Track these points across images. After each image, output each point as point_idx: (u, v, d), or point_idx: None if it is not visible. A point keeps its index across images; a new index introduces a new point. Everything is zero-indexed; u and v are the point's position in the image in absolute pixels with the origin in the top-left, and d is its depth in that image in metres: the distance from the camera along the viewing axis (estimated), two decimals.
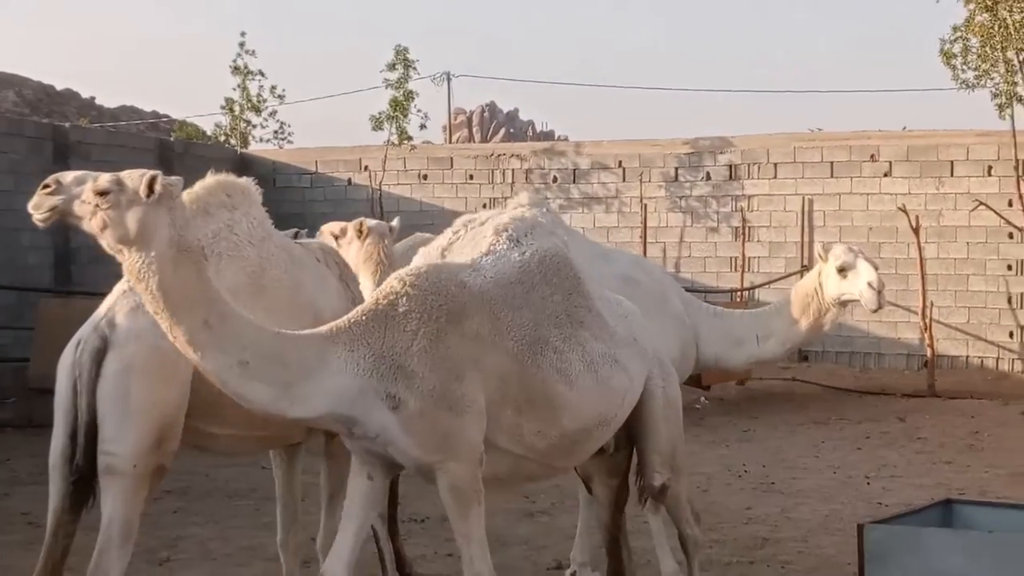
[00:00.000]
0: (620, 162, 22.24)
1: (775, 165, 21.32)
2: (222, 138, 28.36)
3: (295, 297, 6.64)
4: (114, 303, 6.10)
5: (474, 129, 69.38)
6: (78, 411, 5.88)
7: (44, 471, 12.18)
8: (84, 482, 5.90)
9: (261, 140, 26.71)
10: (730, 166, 21.57)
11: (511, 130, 68.18)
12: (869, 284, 8.49)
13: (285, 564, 7.25)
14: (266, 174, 23.74)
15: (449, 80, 45.72)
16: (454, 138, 50.44)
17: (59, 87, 40.80)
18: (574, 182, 22.53)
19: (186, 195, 6.55)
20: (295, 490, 7.25)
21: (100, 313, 6.08)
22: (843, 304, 8.62)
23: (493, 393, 5.60)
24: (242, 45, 25.35)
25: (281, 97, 26.11)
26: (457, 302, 5.68)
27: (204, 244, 6.36)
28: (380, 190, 22.33)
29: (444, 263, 6.26)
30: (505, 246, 6.36)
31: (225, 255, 6.41)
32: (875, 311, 8.86)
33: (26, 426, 14.69)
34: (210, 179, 6.69)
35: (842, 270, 8.38)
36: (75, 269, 18.08)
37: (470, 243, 8.02)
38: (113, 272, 5.62)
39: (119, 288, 6.20)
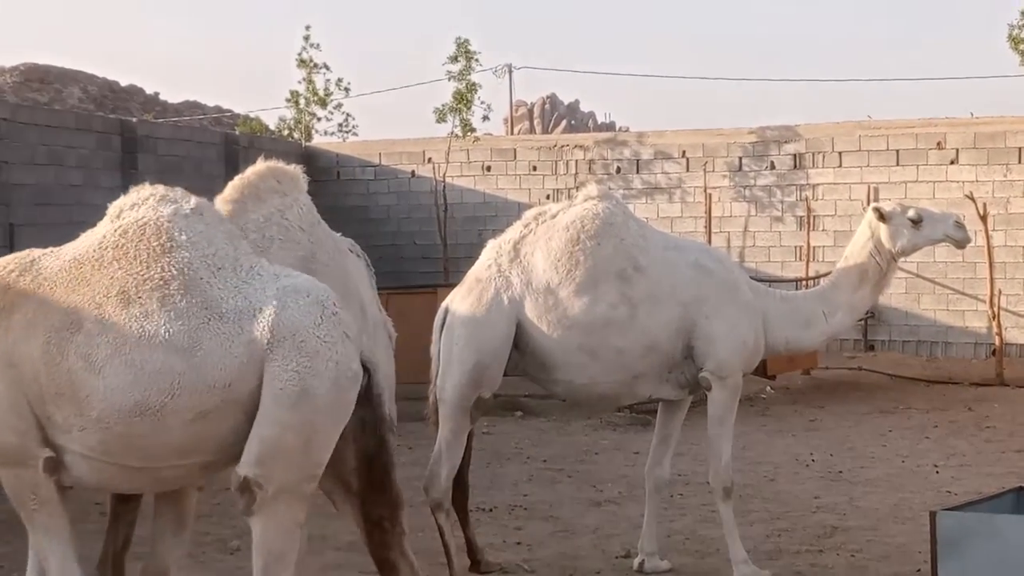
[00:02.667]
0: (683, 152, 22.17)
1: (840, 154, 21.18)
2: (285, 132, 28.46)
3: (344, 284, 6.65)
4: None
5: (535, 121, 69.32)
6: None
7: None
8: None
9: (326, 133, 26.81)
10: (795, 155, 21.45)
11: (572, 122, 68.08)
12: (956, 222, 8.44)
13: None
14: (330, 167, 23.88)
15: (511, 72, 45.85)
16: (515, 130, 50.47)
17: (123, 83, 41.13)
18: (637, 172, 22.48)
19: (237, 180, 6.63)
20: None
21: None
22: (910, 253, 8.56)
23: (29, 388, 5.29)
24: (307, 39, 25.48)
25: (347, 90, 26.21)
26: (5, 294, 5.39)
27: (256, 228, 6.43)
28: (444, 182, 22.37)
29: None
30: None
31: (277, 239, 6.43)
32: (965, 247, 8.79)
33: None
34: (260, 165, 6.74)
35: (917, 221, 8.31)
36: None
37: (543, 236, 8.04)
38: None
39: None
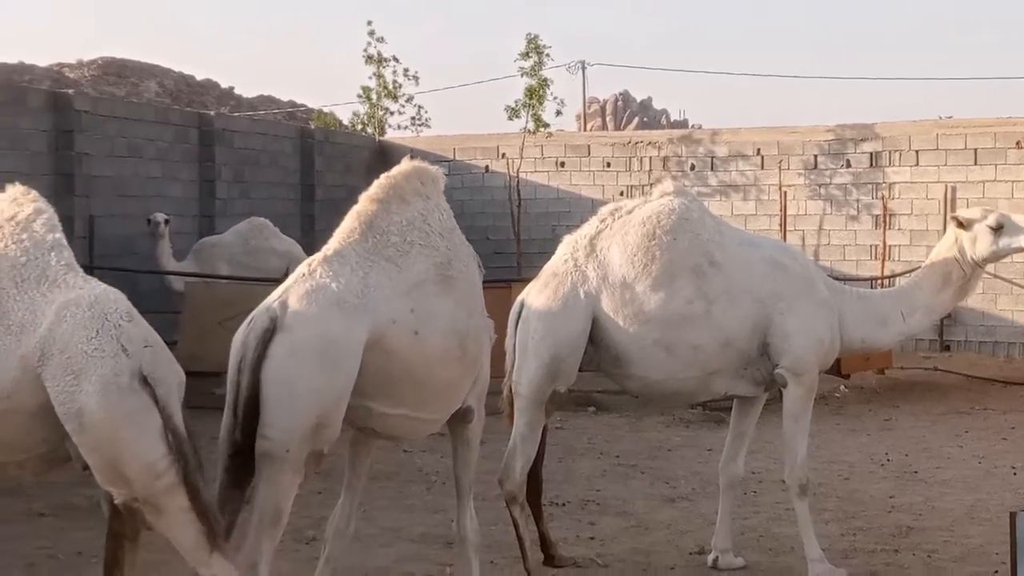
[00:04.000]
0: (758, 150, 22.07)
1: (917, 152, 21.00)
2: (359, 127, 28.60)
3: (475, 290, 6.66)
4: (291, 286, 6.14)
5: (607, 118, 69.29)
6: (239, 388, 5.96)
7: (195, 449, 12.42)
8: (241, 457, 5.96)
9: (399, 127, 26.91)
10: (872, 153, 21.29)
11: (644, 119, 67.98)
12: None
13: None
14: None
15: (583, 69, 45.80)
16: (587, 127, 50.42)
17: (199, 77, 41.46)
18: (711, 169, 22.41)
19: (384, 179, 6.60)
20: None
21: (275, 295, 6.13)
22: (992, 261, 8.46)
23: None
24: (371, 33, 25.57)
25: (416, 78, 26.25)
26: None
27: (398, 231, 6.42)
28: (517, 177, 22.40)
29: None
30: None
31: (417, 244, 6.38)
32: None
33: None
34: (406, 165, 6.63)
35: (997, 228, 8.22)
36: None
37: (619, 231, 8.03)
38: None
39: (299, 271, 6.25)
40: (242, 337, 6.02)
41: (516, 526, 8.03)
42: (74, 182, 15.25)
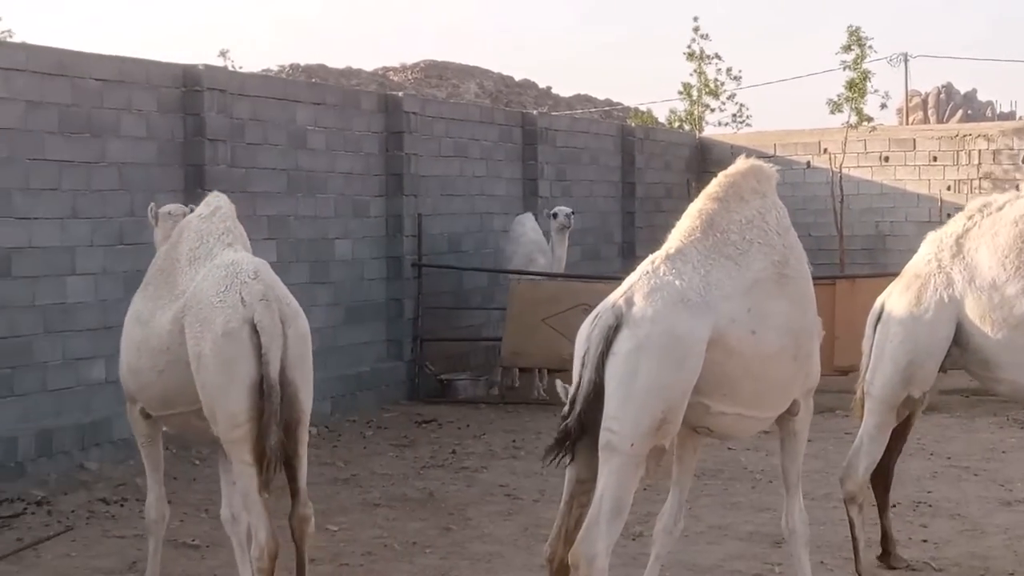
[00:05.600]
0: None
1: None
2: (676, 124, 28.62)
3: (809, 288, 6.60)
4: (635, 282, 6.18)
5: (928, 111, 67.49)
6: (580, 381, 6.05)
7: (519, 445, 12.69)
8: (562, 443, 6.03)
9: (719, 124, 26.82)
10: None
11: (968, 111, 65.93)
12: None
13: None
14: (724, 158, 23.78)
15: (906, 61, 44.79)
16: (909, 120, 49.21)
17: (517, 78, 42.15)
18: None
19: (722, 177, 6.62)
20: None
21: (619, 291, 6.18)
22: None
23: None
24: (696, 30, 25.59)
25: (738, 79, 26.17)
26: None
27: (737, 229, 6.43)
28: (840, 173, 22.03)
29: None
30: None
31: (756, 243, 6.38)
32: None
33: (499, 403, 15.27)
34: (742, 164, 6.64)
35: None
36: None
37: (988, 230, 7.73)
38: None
39: (642, 268, 6.30)
40: (586, 332, 6.09)
41: (852, 526, 7.90)
42: (403, 181, 15.65)
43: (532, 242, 16.43)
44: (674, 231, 6.48)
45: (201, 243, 6.95)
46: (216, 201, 7.31)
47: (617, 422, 5.88)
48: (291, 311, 6.54)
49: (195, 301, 6.53)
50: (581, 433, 6.03)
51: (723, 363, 6.09)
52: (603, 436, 5.90)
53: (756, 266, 6.33)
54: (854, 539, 7.89)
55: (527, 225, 16.69)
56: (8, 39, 26.29)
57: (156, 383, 6.85)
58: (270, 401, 6.25)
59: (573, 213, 16.52)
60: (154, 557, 7.39)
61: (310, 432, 12.83)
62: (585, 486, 6.06)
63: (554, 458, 6.09)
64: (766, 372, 6.27)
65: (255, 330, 6.34)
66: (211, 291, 6.49)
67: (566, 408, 6.09)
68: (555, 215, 16.37)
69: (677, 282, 6.11)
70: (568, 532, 6.06)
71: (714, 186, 6.57)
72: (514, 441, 12.82)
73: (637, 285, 6.14)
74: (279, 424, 6.28)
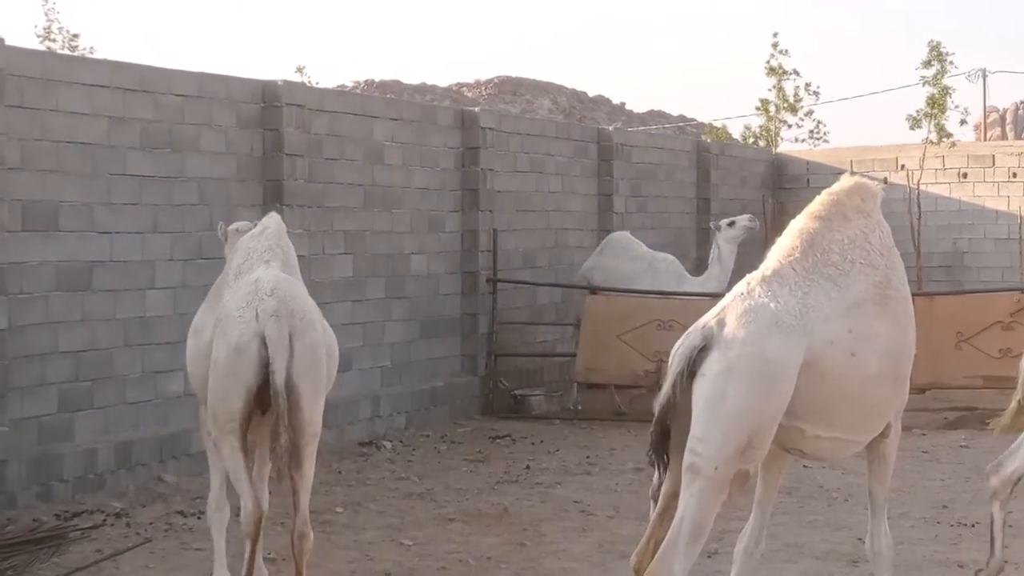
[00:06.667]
0: None
1: None
2: (751, 140, 28.51)
3: (909, 309, 6.54)
4: (728, 304, 6.16)
5: (1007, 127, 66.75)
6: (662, 396, 6.04)
7: (593, 461, 12.66)
8: (650, 453, 6.06)
9: (796, 140, 26.69)
10: None
11: None
12: None
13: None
14: (800, 174, 23.75)
15: (984, 77, 44.37)
16: (987, 137, 48.74)
17: (591, 94, 42.12)
18: None
19: (825, 195, 6.56)
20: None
21: (712, 312, 6.16)
22: None
23: None
24: (775, 45, 25.48)
25: (816, 94, 26.05)
26: None
27: (839, 249, 6.38)
28: (918, 189, 21.85)
29: None
30: None
31: (858, 263, 6.32)
32: None
33: (572, 419, 15.27)
34: (847, 180, 6.57)
35: None
36: None
37: None
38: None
39: (737, 289, 6.27)
40: (677, 352, 6.08)
41: (992, 523, 7.81)
42: (478, 197, 15.68)
43: (640, 257, 16.40)
44: (773, 249, 6.44)
45: (246, 260, 7.59)
46: (268, 220, 7.88)
47: (702, 444, 5.84)
48: (303, 325, 7.11)
49: (224, 314, 7.25)
50: (667, 447, 6.03)
51: (820, 386, 6.04)
52: (687, 457, 5.86)
53: (857, 287, 6.26)
54: (992, 537, 7.82)
55: (633, 241, 16.73)
56: (90, 55, 26.59)
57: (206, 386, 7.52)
58: (277, 405, 6.87)
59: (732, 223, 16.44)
60: (219, 546, 7.97)
61: (385, 446, 13.12)
62: (678, 500, 6.03)
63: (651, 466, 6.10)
64: (865, 395, 6.22)
65: (264, 343, 6.96)
66: (234, 306, 7.19)
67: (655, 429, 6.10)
68: (732, 223, 16.28)
69: (772, 304, 6.06)
70: (658, 543, 6.02)
71: (817, 204, 6.49)
72: (588, 457, 12.80)
73: (730, 306, 6.11)
74: (287, 425, 6.87)
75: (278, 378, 6.89)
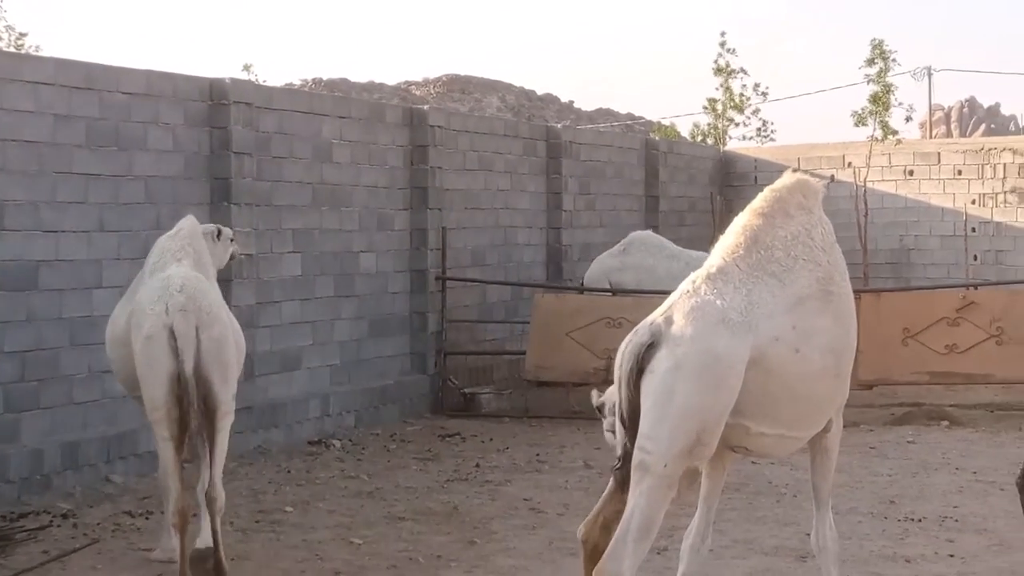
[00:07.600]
0: None
1: None
2: (699, 138, 28.61)
3: (851, 305, 6.57)
4: (675, 301, 6.16)
5: (951, 125, 67.35)
6: (620, 400, 6.04)
7: (542, 459, 12.66)
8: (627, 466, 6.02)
9: (743, 138, 26.81)
10: None
11: (992, 125, 65.77)
12: None
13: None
14: (748, 172, 23.85)
15: (930, 75, 44.72)
16: (932, 135, 49.14)
17: (539, 92, 42.21)
18: None
19: (768, 192, 6.57)
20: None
21: (660, 310, 6.16)
22: None
23: None
24: (723, 44, 25.60)
25: (764, 94, 26.20)
26: None
27: (783, 245, 6.39)
28: (864, 187, 21.99)
29: None
30: None
31: (801, 259, 6.34)
32: None
33: (522, 416, 15.26)
34: (789, 178, 6.58)
35: None
36: (566, 266, 18.63)
37: None
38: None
39: (683, 287, 6.27)
40: (622, 349, 6.08)
41: None
42: (427, 195, 15.65)
43: (676, 255, 16.43)
44: (717, 247, 6.45)
45: (160, 258, 8.41)
46: (183, 222, 8.76)
47: (651, 442, 5.85)
48: (209, 319, 7.88)
49: (138, 308, 8.02)
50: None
51: (765, 383, 6.06)
52: (636, 455, 5.87)
53: (801, 283, 6.29)
54: None
55: (663, 240, 16.80)
56: (36, 53, 26.38)
57: (121, 371, 8.56)
58: (187, 392, 7.67)
59: None
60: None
61: (334, 445, 13.08)
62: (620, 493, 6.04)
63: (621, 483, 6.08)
64: (809, 391, 6.24)
65: (173, 334, 7.73)
66: (147, 300, 7.97)
67: (617, 427, 6.09)
68: None
69: (718, 301, 6.08)
70: (606, 519, 6.04)
71: (759, 201, 6.51)
72: (538, 455, 12.80)
73: (677, 304, 6.12)
74: (197, 410, 7.71)
75: (186, 367, 7.69)
